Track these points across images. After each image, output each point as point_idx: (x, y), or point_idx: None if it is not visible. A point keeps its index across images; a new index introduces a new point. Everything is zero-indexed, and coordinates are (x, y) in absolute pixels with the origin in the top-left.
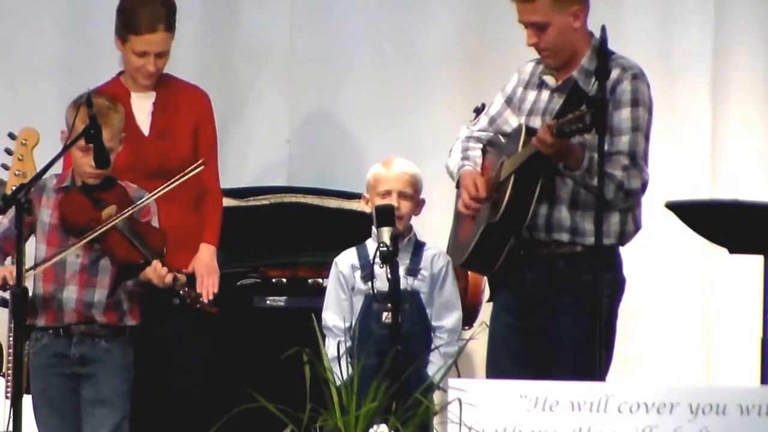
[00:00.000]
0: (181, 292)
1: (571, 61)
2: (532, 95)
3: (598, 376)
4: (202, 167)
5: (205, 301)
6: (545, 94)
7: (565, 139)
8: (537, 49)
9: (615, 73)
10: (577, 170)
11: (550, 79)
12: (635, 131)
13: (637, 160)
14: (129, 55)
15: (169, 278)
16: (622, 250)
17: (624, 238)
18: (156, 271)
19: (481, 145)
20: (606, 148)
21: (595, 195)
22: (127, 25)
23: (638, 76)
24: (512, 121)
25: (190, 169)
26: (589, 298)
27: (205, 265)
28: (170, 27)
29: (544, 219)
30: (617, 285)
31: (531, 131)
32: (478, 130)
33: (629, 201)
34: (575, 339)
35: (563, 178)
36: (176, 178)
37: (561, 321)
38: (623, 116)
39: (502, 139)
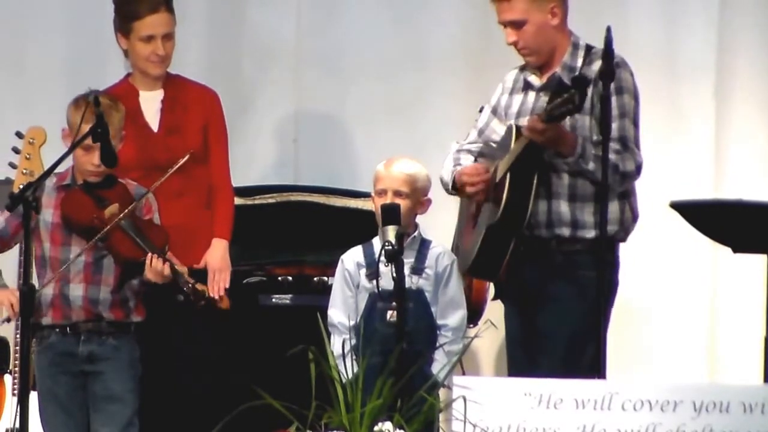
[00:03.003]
0: (185, 288)
1: (552, 59)
2: (518, 99)
3: (599, 372)
4: (188, 156)
5: (216, 297)
6: (531, 95)
7: (555, 124)
8: (516, 48)
9: (596, 66)
10: (571, 156)
11: (534, 80)
12: (622, 118)
13: (627, 144)
14: (136, 46)
15: (166, 269)
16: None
17: (624, 226)
18: (152, 266)
19: (472, 157)
20: (595, 137)
21: (591, 180)
22: (127, 15)
23: (620, 65)
24: (499, 130)
25: (181, 160)
26: (585, 294)
27: (218, 261)
28: (171, 9)
29: (545, 215)
30: (611, 286)
31: (520, 129)
32: (468, 143)
33: (626, 184)
34: (566, 333)
35: (558, 173)
36: (170, 172)
37: (554, 314)
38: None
39: (493, 145)
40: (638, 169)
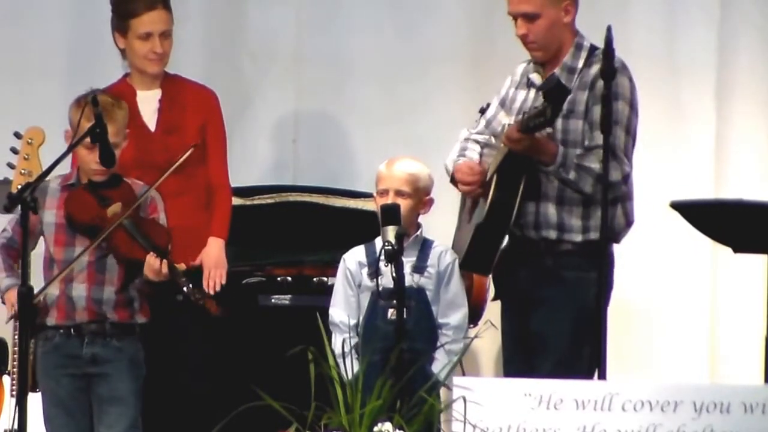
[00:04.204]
0: (185, 288)
1: (556, 57)
2: (521, 95)
3: (598, 373)
4: (191, 150)
5: (211, 292)
6: (532, 93)
7: (531, 135)
8: (525, 42)
9: (595, 68)
10: (551, 166)
11: (536, 77)
12: (614, 125)
13: (616, 152)
14: (134, 44)
15: (164, 267)
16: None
17: (614, 232)
18: (150, 264)
19: (479, 147)
20: (587, 142)
21: (574, 189)
22: (125, 13)
23: (619, 70)
24: (505, 122)
25: (184, 155)
26: (576, 294)
27: (213, 258)
28: (168, 7)
29: (533, 216)
30: (606, 286)
31: None
32: (477, 133)
33: (610, 193)
34: (559, 334)
35: (548, 175)
36: (173, 167)
37: (546, 316)
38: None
39: (494, 141)
40: (625, 179)
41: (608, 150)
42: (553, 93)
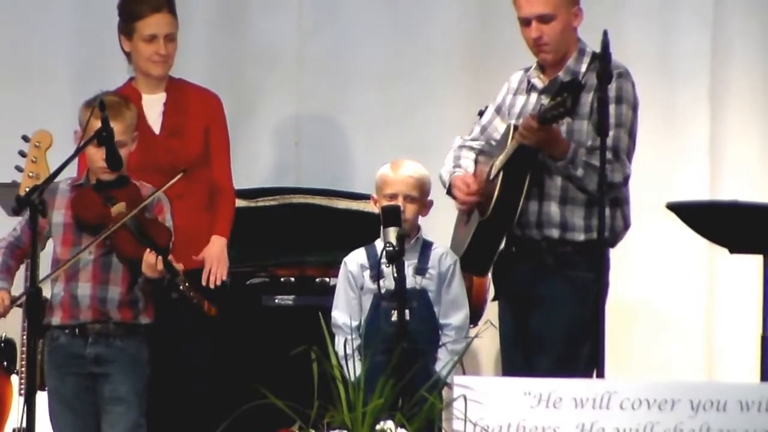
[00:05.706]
0: (181, 287)
1: (559, 62)
2: (521, 100)
3: (596, 372)
4: (181, 175)
5: (211, 286)
6: (534, 97)
7: (548, 127)
8: (537, 44)
9: None
10: (561, 160)
11: (538, 82)
12: (618, 127)
13: (619, 154)
14: (138, 46)
15: (159, 264)
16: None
17: (613, 234)
18: (146, 261)
19: (473, 154)
20: (590, 143)
21: (578, 186)
22: (130, 15)
23: (623, 75)
24: (501, 129)
25: (174, 179)
26: (575, 294)
27: (215, 255)
28: (173, 10)
29: (536, 215)
30: (602, 287)
31: (518, 128)
32: (471, 140)
33: (611, 193)
34: (558, 333)
35: (551, 174)
36: (165, 186)
37: (546, 315)
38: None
39: (493, 144)
40: (625, 180)
41: (604, 151)
42: (570, 86)
